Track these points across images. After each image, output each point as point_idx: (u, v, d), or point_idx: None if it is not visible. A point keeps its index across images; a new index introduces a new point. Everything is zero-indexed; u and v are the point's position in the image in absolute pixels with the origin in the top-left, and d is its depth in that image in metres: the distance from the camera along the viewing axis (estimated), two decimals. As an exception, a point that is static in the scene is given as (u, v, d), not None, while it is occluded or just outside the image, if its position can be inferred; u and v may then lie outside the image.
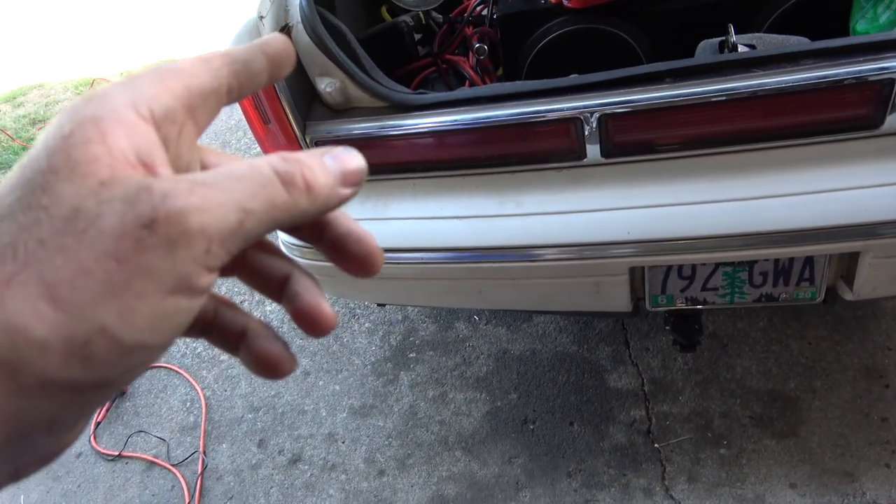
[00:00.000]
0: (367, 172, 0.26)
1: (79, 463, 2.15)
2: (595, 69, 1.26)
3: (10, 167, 3.92)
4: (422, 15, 1.91)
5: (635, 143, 1.28)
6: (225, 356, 2.35)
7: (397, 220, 1.41)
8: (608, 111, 1.22)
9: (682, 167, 1.28)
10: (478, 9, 1.91)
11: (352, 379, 2.18)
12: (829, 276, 1.32)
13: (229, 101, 0.26)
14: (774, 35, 1.36)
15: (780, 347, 1.94)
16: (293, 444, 2.04)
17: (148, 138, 0.22)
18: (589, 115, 1.23)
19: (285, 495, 1.92)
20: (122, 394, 2.31)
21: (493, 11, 1.84)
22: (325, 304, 0.27)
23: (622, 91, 1.21)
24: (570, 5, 1.64)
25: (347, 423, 2.06)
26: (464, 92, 1.48)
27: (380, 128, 1.35)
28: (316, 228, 0.28)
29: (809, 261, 1.29)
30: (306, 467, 1.97)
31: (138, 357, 0.21)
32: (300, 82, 1.36)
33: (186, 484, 1.99)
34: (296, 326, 0.28)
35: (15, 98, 4.86)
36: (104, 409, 2.26)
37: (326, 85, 1.35)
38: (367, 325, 2.34)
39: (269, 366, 0.27)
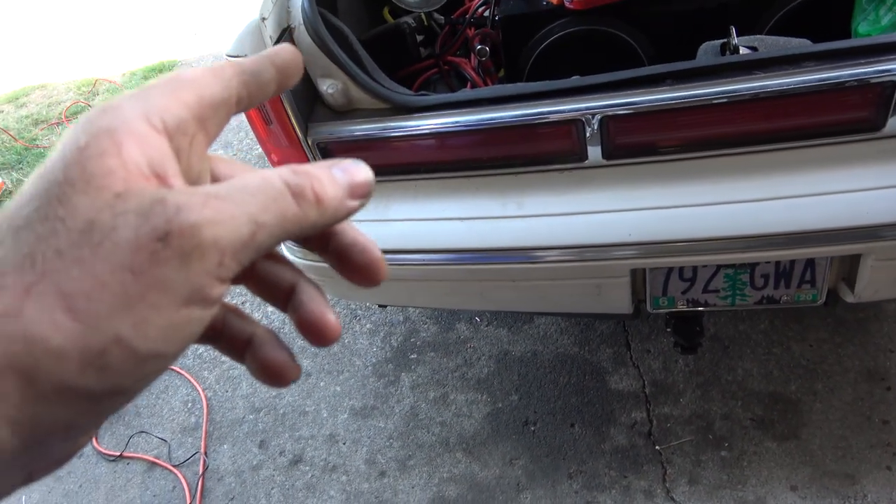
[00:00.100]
0: (374, 184, 0.27)
1: (80, 463, 2.15)
2: (597, 71, 1.26)
3: (12, 167, 3.93)
4: (424, 16, 1.91)
5: (637, 144, 1.28)
6: (226, 357, 2.35)
7: (399, 222, 1.41)
8: (610, 113, 1.22)
9: (683, 169, 1.28)
10: (480, 10, 1.91)
11: (353, 380, 2.18)
12: (830, 279, 1.32)
13: (238, 111, 0.27)
14: (776, 37, 1.36)
15: (781, 349, 1.94)
16: (294, 445, 2.04)
17: (161, 150, 0.22)
18: (590, 116, 1.23)
19: (286, 496, 1.92)
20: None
21: (495, 13, 1.84)
22: (330, 314, 0.28)
23: (624, 93, 1.21)
24: (571, 7, 1.64)
25: (348, 425, 2.06)
26: (465, 93, 1.48)
27: (382, 129, 1.35)
28: (322, 239, 0.29)
29: (811, 263, 1.29)
30: (307, 468, 1.97)
31: (152, 366, 0.21)
32: (302, 84, 1.37)
33: (187, 484, 1.99)
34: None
35: (18, 98, 4.87)
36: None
37: (328, 86, 1.35)
38: (368, 326, 2.34)
39: (274, 374, 0.27)
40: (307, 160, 1.42)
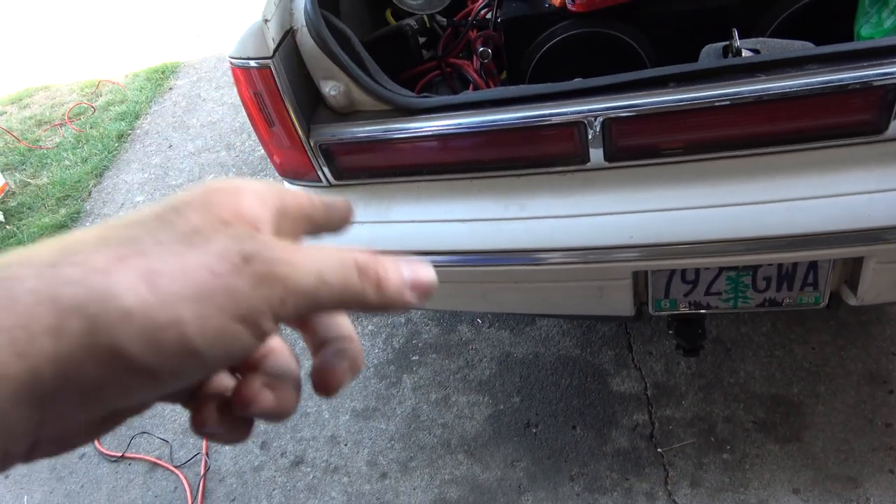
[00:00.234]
0: (436, 288, 0.29)
1: (82, 464, 2.15)
2: (599, 73, 1.26)
3: (15, 168, 3.94)
4: (426, 18, 1.91)
5: (639, 147, 1.28)
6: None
7: (401, 224, 1.41)
8: (612, 115, 1.22)
9: (685, 171, 1.28)
10: (482, 12, 1.91)
11: (354, 381, 2.18)
12: (832, 281, 1.32)
13: (308, 232, 0.32)
14: (778, 39, 1.36)
15: (783, 352, 1.94)
16: (295, 447, 2.04)
17: (264, 215, 0.27)
18: (593, 118, 1.23)
19: (287, 497, 1.92)
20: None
21: (498, 15, 1.84)
22: (340, 377, 0.30)
23: (626, 95, 1.21)
24: (573, 9, 1.65)
25: (350, 426, 2.06)
26: (468, 95, 1.48)
27: (384, 131, 1.35)
28: (310, 324, 0.32)
29: (813, 266, 1.29)
30: (308, 469, 1.97)
31: (188, 365, 0.23)
32: (304, 85, 1.37)
33: (189, 485, 1.99)
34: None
35: (21, 99, 4.88)
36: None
37: (331, 88, 1.36)
38: (370, 327, 2.34)
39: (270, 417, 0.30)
40: (309, 161, 1.42)
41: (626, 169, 1.30)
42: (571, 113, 1.24)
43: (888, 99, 1.13)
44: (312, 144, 1.39)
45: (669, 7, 1.69)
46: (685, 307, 1.41)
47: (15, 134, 4.26)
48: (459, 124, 1.31)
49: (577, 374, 2.03)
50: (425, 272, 0.29)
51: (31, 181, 3.79)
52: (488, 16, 1.90)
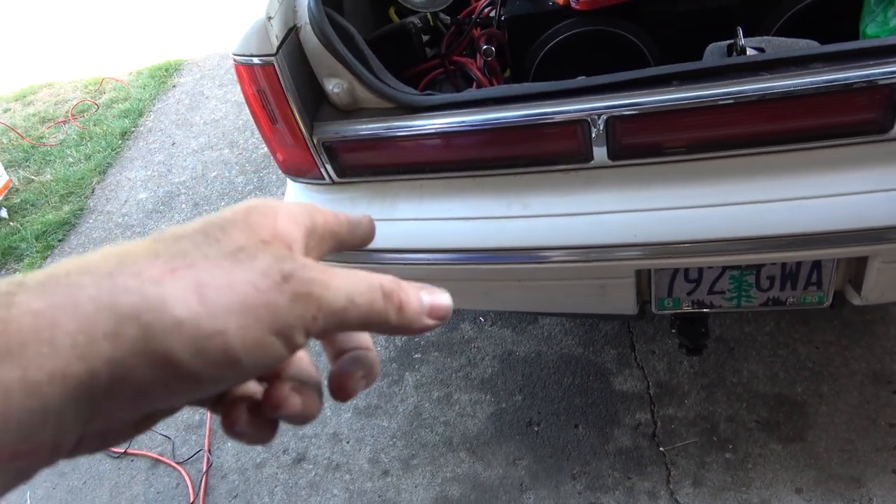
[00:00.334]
0: (451, 312, 0.32)
1: (84, 460, 2.16)
2: (603, 71, 1.26)
3: (19, 165, 3.95)
4: (430, 16, 1.91)
5: (642, 145, 1.28)
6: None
7: (404, 221, 1.41)
8: (616, 113, 1.22)
9: (689, 170, 1.27)
10: (486, 10, 1.91)
11: (357, 379, 2.18)
12: (836, 281, 1.32)
13: (333, 249, 0.34)
14: (783, 38, 1.36)
15: (787, 352, 1.93)
16: (298, 444, 2.04)
17: (296, 235, 0.30)
18: (596, 117, 1.23)
19: (289, 494, 1.92)
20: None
21: (501, 13, 1.84)
22: (356, 384, 0.32)
23: (630, 93, 1.21)
24: (577, 7, 1.64)
25: (352, 423, 2.06)
26: (471, 93, 1.48)
27: (387, 129, 1.35)
28: (335, 340, 0.34)
29: (817, 265, 1.29)
30: (310, 467, 1.98)
31: (228, 372, 0.25)
32: (308, 83, 1.37)
33: (191, 482, 2.00)
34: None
35: (25, 97, 4.89)
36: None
37: (334, 86, 1.36)
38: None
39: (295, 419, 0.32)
40: (312, 159, 1.42)
41: (630, 167, 1.30)
42: (575, 111, 1.24)
43: (893, 98, 1.13)
44: (316, 142, 1.39)
45: (673, 5, 1.68)
46: (688, 306, 1.41)
47: (19, 131, 4.27)
48: (463, 122, 1.30)
49: (580, 373, 2.03)
50: (443, 298, 0.32)
51: (35, 178, 3.80)
52: (492, 14, 1.90)
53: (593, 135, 1.25)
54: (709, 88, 1.17)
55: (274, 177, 3.29)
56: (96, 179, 3.70)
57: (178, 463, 2.06)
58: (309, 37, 1.32)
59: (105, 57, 5.30)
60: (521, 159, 1.35)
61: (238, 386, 0.32)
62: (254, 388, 0.32)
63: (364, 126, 1.36)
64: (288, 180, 1.59)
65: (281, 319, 0.25)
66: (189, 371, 0.24)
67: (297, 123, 1.36)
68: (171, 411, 0.29)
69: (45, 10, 6.70)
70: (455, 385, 2.09)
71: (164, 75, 4.72)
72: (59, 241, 3.29)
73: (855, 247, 1.20)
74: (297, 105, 1.34)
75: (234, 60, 1.32)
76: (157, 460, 2.09)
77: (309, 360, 0.34)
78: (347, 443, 2.01)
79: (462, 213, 1.38)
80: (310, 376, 0.33)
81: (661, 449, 1.79)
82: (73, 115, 4.37)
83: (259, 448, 2.05)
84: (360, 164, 1.45)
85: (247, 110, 1.44)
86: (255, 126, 1.46)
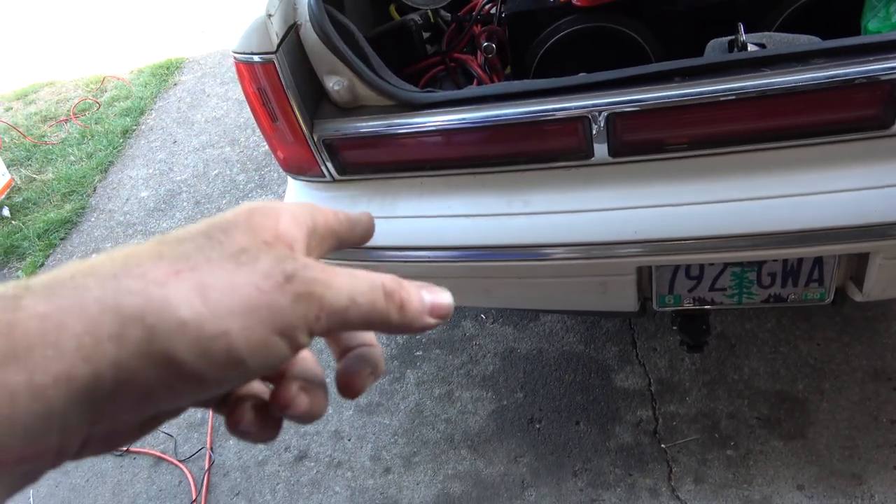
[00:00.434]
0: (452, 311, 0.32)
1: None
2: (603, 68, 1.26)
3: (21, 164, 3.95)
4: (430, 13, 1.91)
5: (643, 142, 1.27)
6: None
7: (405, 219, 1.41)
8: (616, 110, 1.22)
9: (690, 167, 1.27)
10: (486, 7, 1.91)
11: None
12: (838, 277, 1.31)
13: (333, 247, 0.34)
14: (784, 34, 1.35)
15: (788, 348, 1.93)
16: (299, 441, 2.05)
17: (297, 235, 0.30)
18: (597, 113, 1.23)
19: (291, 492, 1.92)
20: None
21: (502, 10, 1.84)
22: (364, 381, 0.33)
23: (630, 90, 1.21)
24: (578, 3, 1.64)
25: (353, 421, 2.06)
26: (472, 90, 1.48)
27: (387, 126, 1.35)
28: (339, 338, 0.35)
29: (819, 261, 1.29)
30: (312, 464, 1.98)
31: (232, 372, 0.25)
32: (308, 80, 1.37)
33: (193, 480, 2.00)
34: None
35: (27, 95, 4.90)
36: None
37: (334, 83, 1.35)
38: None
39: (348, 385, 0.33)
40: (313, 157, 1.42)
41: (631, 164, 1.30)
42: (576, 108, 1.23)
43: (894, 94, 1.12)
44: (316, 139, 1.39)
45: (675, 2, 1.68)
46: (689, 303, 1.41)
47: (20, 130, 4.28)
48: (463, 119, 1.30)
49: (581, 370, 2.03)
50: (444, 297, 0.32)
51: (37, 177, 3.80)
52: (492, 10, 1.90)
53: (594, 131, 1.25)
54: (710, 85, 1.17)
55: (275, 175, 3.29)
56: (98, 178, 3.71)
57: (180, 461, 2.07)
58: (309, 34, 1.32)
59: (106, 55, 5.30)
60: (521, 156, 1.35)
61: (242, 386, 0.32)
62: (258, 387, 0.32)
63: (364, 123, 1.36)
64: (289, 178, 1.59)
65: (284, 320, 0.26)
66: (193, 372, 0.24)
67: (298, 121, 1.36)
68: (175, 412, 0.29)
69: (47, 8, 6.71)
70: (456, 382, 2.09)
71: (166, 73, 4.72)
72: (61, 239, 3.29)
73: (857, 243, 1.20)
74: (298, 103, 1.33)
75: (235, 58, 1.32)
76: (160, 458, 2.10)
77: (313, 358, 0.34)
78: (349, 440, 2.02)
79: (463, 211, 1.38)
80: (315, 375, 0.33)
81: (662, 446, 1.80)
82: (74, 114, 4.37)
83: (261, 446, 2.06)
84: (360, 162, 1.45)
85: (248, 108, 1.44)
86: (256, 124, 1.46)
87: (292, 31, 1.33)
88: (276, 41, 1.27)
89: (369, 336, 0.34)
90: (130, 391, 0.23)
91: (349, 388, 0.32)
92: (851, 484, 1.62)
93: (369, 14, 1.89)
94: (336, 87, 1.35)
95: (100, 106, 4.44)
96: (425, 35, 1.86)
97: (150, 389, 0.24)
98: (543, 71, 1.73)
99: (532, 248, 1.33)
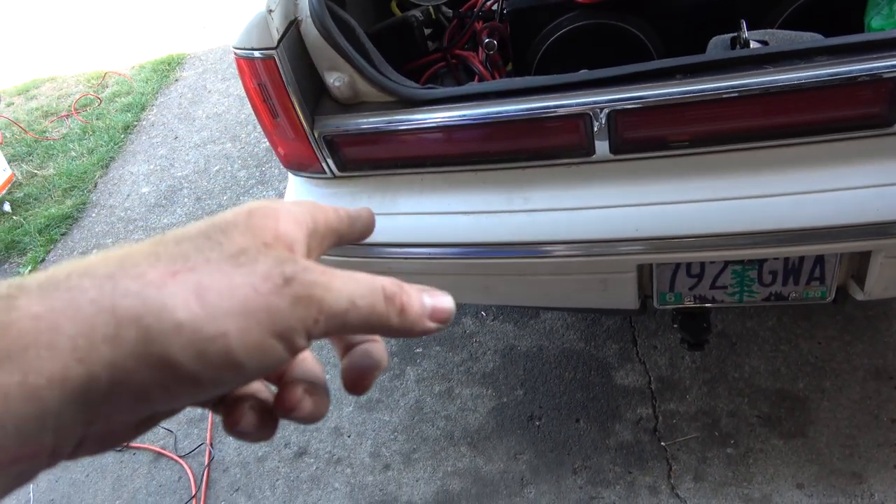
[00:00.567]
0: (454, 314, 0.32)
1: (88, 453, 2.17)
2: (605, 65, 1.25)
3: (22, 159, 3.95)
4: (432, 10, 1.90)
5: (645, 139, 1.27)
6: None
7: (405, 215, 1.41)
8: (618, 107, 1.21)
9: (691, 164, 1.27)
10: (488, 4, 1.90)
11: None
12: (839, 276, 1.31)
13: (333, 245, 0.34)
14: (787, 31, 1.35)
15: (789, 347, 1.93)
16: (299, 437, 2.05)
17: (298, 236, 0.30)
18: (598, 110, 1.22)
19: (291, 488, 1.93)
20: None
21: (503, 6, 1.83)
22: (372, 378, 0.33)
23: (632, 87, 1.20)
24: (580, 0, 1.63)
25: (353, 418, 2.06)
26: (473, 87, 1.48)
27: (388, 122, 1.35)
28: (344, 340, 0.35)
29: (820, 260, 1.28)
30: (312, 460, 1.98)
31: (229, 374, 0.25)
32: (309, 76, 1.36)
33: (193, 475, 2.01)
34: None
35: (28, 91, 4.90)
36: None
37: (335, 79, 1.35)
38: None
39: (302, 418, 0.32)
40: (313, 153, 1.42)
41: (632, 161, 1.29)
42: (577, 105, 1.23)
43: (898, 91, 1.12)
44: (317, 136, 1.39)
45: (677, -2, 1.67)
46: (690, 301, 1.40)
47: (22, 125, 4.27)
48: (464, 116, 1.30)
49: (581, 368, 2.03)
50: (445, 301, 0.31)
51: (38, 172, 3.80)
52: (494, 7, 1.89)
53: (595, 129, 1.24)
54: (712, 82, 1.16)
55: (276, 171, 3.29)
56: (99, 173, 3.71)
57: (180, 456, 2.07)
58: (310, 30, 1.32)
59: (107, 51, 5.30)
60: (522, 153, 1.34)
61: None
62: (255, 386, 0.32)
63: (365, 120, 1.36)
64: (289, 175, 1.59)
65: (282, 322, 0.25)
66: (189, 374, 0.24)
67: (298, 117, 1.36)
68: (171, 413, 0.29)
69: (48, 4, 6.70)
70: (456, 379, 2.09)
71: (167, 69, 4.71)
72: (62, 235, 3.29)
73: (858, 242, 1.19)
74: (298, 99, 1.33)
75: (235, 54, 1.32)
76: (160, 454, 2.10)
77: (314, 359, 0.34)
78: (349, 437, 2.02)
79: (463, 208, 1.37)
80: (317, 376, 0.33)
81: (662, 444, 1.79)
82: (75, 110, 4.37)
83: (261, 442, 2.06)
84: (361, 158, 1.45)
85: (248, 105, 1.44)
86: (256, 121, 1.46)
87: (293, 26, 1.32)
88: (276, 37, 1.27)
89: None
90: (126, 392, 0.23)
91: (357, 385, 0.32)
92: (851, 483, 1.62)
93: (370, 10, 1.89)
94: (337, 84, 1.35)
95: (101, 101, 4.44)
96: (427, 31, 1.85)
97: (145, 391, 0.24)
98: (545, 68, 1.73)
99: (533, 245, 1.32)
